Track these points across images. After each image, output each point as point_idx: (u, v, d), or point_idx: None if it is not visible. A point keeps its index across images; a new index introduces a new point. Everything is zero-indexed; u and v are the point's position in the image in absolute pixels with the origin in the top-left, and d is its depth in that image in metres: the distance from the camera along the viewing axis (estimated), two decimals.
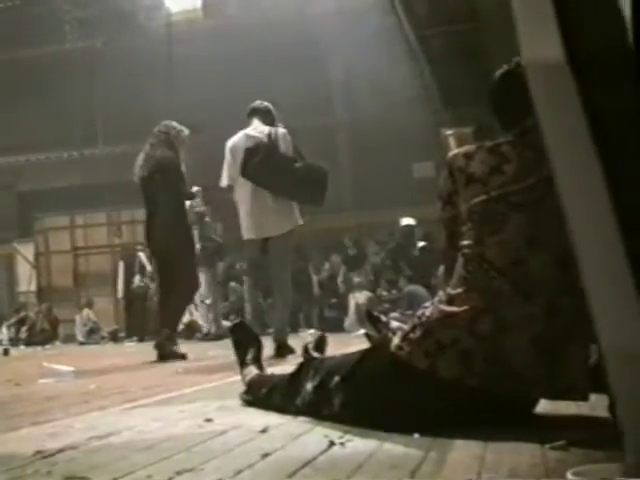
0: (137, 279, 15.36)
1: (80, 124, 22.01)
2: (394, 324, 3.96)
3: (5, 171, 23.32)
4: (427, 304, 2.81)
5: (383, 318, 4.20)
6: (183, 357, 8.01)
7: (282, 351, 7.39)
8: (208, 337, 14.41)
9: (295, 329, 15.01)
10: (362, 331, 8.02)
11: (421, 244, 17.99)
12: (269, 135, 7.79)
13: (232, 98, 19.47)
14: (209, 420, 3.08)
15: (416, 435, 2.46)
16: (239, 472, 2.05)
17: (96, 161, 22.25)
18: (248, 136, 7.87)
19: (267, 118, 8.04)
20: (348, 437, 2.52)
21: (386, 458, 2.20)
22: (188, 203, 12.66)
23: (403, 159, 18.78)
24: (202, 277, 13.89)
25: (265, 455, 2.28)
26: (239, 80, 19.50)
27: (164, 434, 2.82)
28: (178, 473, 2.07)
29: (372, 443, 2.40)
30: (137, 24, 22.78)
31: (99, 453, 2.50)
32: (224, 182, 7.95)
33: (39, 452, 2.49)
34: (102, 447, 2.61)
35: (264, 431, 2.74)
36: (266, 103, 8.32)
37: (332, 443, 2.43)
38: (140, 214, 20.70)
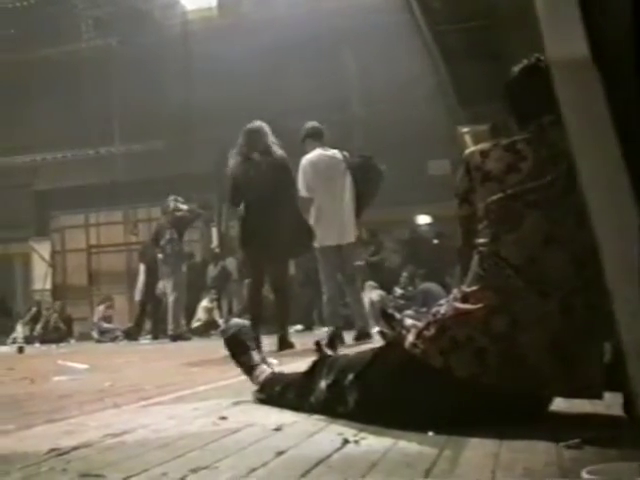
0: (161, 285, 15.37)
1: (96, 122, 22.04)
2: (408, 322, 3.94)
3: (22, 170, 23.38)
4: (442, 302, 2.80)
5: (397, 316, 4.19)
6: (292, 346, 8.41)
7: (362, 337, 8.66)
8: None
9: (309, 327, 15.04)
10: (376, 329, 8.09)
11: (436, 242, 18.02)
12: (344, 156, 9.22)
13: (248, 95, 19.54)
14: (223, 418, 3.07)
15: (430, 433, 2.45)
16: (253, 470, 2.05)
17: (112, 159, 22.28)
18: (328, 156, 9.17)
19: (324, 140, 9.30)
20: (362, 435, 2.52)
21: (400, 456, 2.19)
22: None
23: (419, 156, 18.75)
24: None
25: (279, 453, 2.28)
26: (255, 77, 19.54)
27: (179, 432, 2.82)
28: (193, 471, 2.07)
29: (386, 441, 2.40)
30: (153, 22, 22.81)
31: (114, 451, 2.50)
32: (304, 193, 8.86)
33: (54, 450, 2.49)
34: (117, 445, 2.61)
35: (278, 429, 2.74)
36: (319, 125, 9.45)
37: (346, 441, 2.42)
38: (156, 212, 20.92)
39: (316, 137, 9.24)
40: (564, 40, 1.62)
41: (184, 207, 14.77)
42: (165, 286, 14.96)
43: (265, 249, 8.34)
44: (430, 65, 12.80)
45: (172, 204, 14.76)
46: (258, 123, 8.72)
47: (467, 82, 11.46)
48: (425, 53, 12.00)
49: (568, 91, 1.64)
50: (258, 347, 3.79)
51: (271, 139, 8.62)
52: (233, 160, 8.63)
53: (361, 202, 9.16)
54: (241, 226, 8.63)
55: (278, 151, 8.58)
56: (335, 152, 9.21)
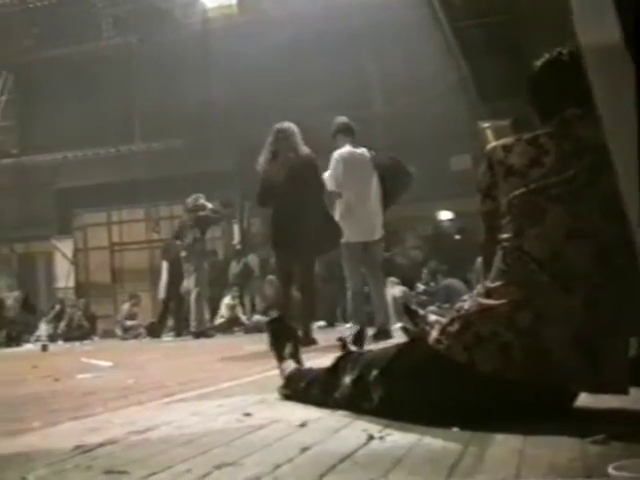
0: (186, 283, 15.42)
1: (117, 121, 22.12)
2: (432, 317, 3.95)
3: (43, 169, 23.49)
4: (465, 297, 2.79)
5: (421, 312, 4.20)
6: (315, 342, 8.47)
7: (381, 336, 8.44)
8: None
9: (332, 323, 15.03)
10: (399, 325, 8.11)
11: (458, 237, 17.98)
12: (371, 155, 9.28)
13: (268, 93, 19.56)
14: (248, 414, 3.08)
15: (455, 429, 2.45)
16: (278, 466, 2.05)
17: (133, 157, 22.36)
18: (358, 153, 9.22)
19: (354, 137, 9.33)
20: (387, 431, 2.51)
21: (425, 452, 2.19)
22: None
23: (440, 152, 18.70)
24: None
25: (304, 449, 2.28)
26: (275, 75, 19.54)
27: (203, 428, 2.83)
28: (217, 467, 2.07)
29: (411, 437, 2.39)
30: (173, 20, 22.86)
31: (138, 448, 2.51)
32: (332, 187, 8.94)
33: (79, 447, 2.50)
34: (141, 442, 2.62)
35: (303, 425, 2.74)
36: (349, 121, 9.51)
37: (371, 437, 2.42)
38: (178, 209, 20.97)
39: (347, 133, 9.31)
40: (597, 27, 1.61)
41: (208, 205, 14.79)
42: (188, 283, 14.99)
43: (293, 247, 8.46)
44: (450, 60, 12.76)
45: (196, 202, 14.77)
46: (287, 123, 8.83)
47: (488, 77, 11.40)
48: (445, 49, 11.95)
49: (601, 78, 1.63)
50: (295, 341, 3.81)
51: (299, 139, 8.72)
52: (262, 159, 8.73)
53: (386, 201, 9.23)
54: (270, 225, 8.83)
55: (306, 150, 8.70)
56: (364, 150, 9.26)
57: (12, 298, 20.97)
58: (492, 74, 11.17)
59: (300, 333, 8.37)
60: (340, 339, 3.44)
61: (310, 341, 8.31)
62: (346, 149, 9.17)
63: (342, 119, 9.47)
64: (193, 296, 14.37)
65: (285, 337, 3.78)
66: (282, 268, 8.95)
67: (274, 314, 3.69)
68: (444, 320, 2.75)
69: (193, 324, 14.34)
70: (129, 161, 22.22)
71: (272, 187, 8.56)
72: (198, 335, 14.03)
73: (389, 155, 9.59)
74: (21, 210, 23.85)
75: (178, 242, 15.26)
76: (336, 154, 9.12)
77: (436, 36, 11.57)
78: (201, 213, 14.55)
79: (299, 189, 8.42)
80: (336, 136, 9.32)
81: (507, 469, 1.93)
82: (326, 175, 9.01)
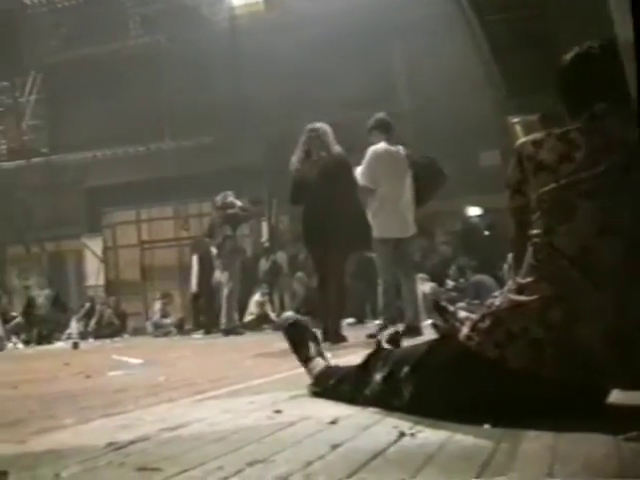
0: (217, 275, 15.51)
1: (146, 119, 22.19)
2: (462, 314, 3.93)
3: (73, 168, 23.63)
4: (496, 293, 2.78)
5: (450, 308, 4.18)
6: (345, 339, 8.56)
7: (411, 332, 8.23)
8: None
9: (362, 320, 15.01)
10: (429, 321, 8.09)
11: (487, 233, 17.90)
12: (407, 153, 9.30)
13: (296, 90, 19.57)
14: (278, 411, 3.08)
15: (487, 426, 2.44)
16: (309, 463, 2.06)
17: (162, 155, 22.42)
18: (393, 150, 9.20)
19: (391, 133, 9.34)
20: (418, 428, 2.51)
21: (457, 449, 2.18)
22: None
23: (469, 148, 18.63)
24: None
25: (335, 446, 2.28)
26: (302, 71, 19.52)
27: (234, 425, 2.83)
28: (249, 464, 2.07)
29: (443, 434, 2.39)
30: (200, 18, 22.89)
31: (170, 445, 2.52)
32: (364, 183, 8.99)
33: (111, 444, 2.52)
34: (173, 439, 2.63)
35: (334, 422, 2.74)
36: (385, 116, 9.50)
37: (402, 434, 2.42)
38: (207, 207, 21.01)
39: (383, 129, 9.31)
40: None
41: (237, 203, 14.81)
42: (220, 278, 15.04)
43: (325, 245, 8.50)
44: (478, 55, 12.72)
45: (225, 200, 14.81)
46: (319, 123, 8.89)
47: (516, 72, 11.35)
48: (473, 43, 11.91)
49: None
50: (317, 340, 3.81)
51: (332, 138, 8.77)
52: (295, 159, 8.80)
53: (419, 200, 9.27)
54: (302, 223, 8.90)
55: (338, 149, 8.74)
56: (399, 147, 9.28)
57: (43, 296, 21.12)
58: (521, 69, 11.12)
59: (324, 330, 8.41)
60: (372, 335, 3.43)
61: (340, 338, 8.37)
62: (381, 145, 9.18)
63: (379, 115, 9.47)
64: (225, 293, 14.40)
65: (305, 339, 3.75)
66: (317, 265, 9.00)
67: (289, 320, 3.68)
68: (475, 316, 2.74)
69: (223, 321, 14.35)
70: (158, 159, 22.29)
71: (304, 186, 8.62)
72: (228, 333, 14.05)
73: (425, 154, 9.63)
74: (51, 209, 24.01)
75: (209, 240, 15.34)
76: (370, 150, 9.15)
77: (464, 31, 11.54)
78: (230, 211, 14.57)
79: (331, 188, 8.46)
80: (372, 132, 9.32)
81: (540, 466, 1.92)
82: (359, 171, 9.05)
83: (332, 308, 8.73)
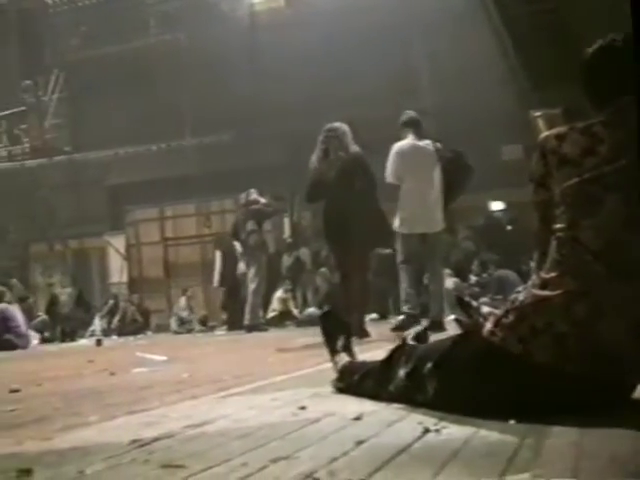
0: (241, 266, 15.60)
1: (167, 116, 22.22)
2: (485, 309, 3.92)
3: (95, 166, 23.70)
4: (520, 288, 2.77)
5: (474, 303, 4.17)
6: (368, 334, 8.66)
7: (435, 328, 8.19)
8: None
9: (384, 315, 15.00)
10: (452, 316, 8.08)
11: (509, 228, 17.83)
12: (436, 147, 9.35)
13: (317, 86, 19.55)
14: (303, 408, 3.08)
15: (511, 421, 2.43)
16: (334, 460, 2.05)
17: (184, 153, 22.45)
18: (419, 145, 9.31)
19: (421, 130, 9.50)
20: (443, 424, 2.50)
21: (482, 445, 2.17)
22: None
23: (492, 142, 18.54)
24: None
25: (359, 442, 2.28)
26: (323, 67, 19.50)
27: (258, 422, 2.83)
28: (273, 461, 2.07)
29: (467, 430, 2.38)
30: (220, 15, 22.90)
31: (195, 441, 2.52)
32: (391, 179, 9.21)
33: (135, 441, 2.52)
34: (197, 435, 2.63)
35: (358, 418, 2.74)
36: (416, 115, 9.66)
37: (427, 430, 2.41)
38: (229, 204, 21.06)
39: (410, 126, 9.46)
40: None
41: (261, 200, 14.84)
42: (246, 274, 15.10)
43: (345, 242, 8.63)
44: (501, 49, 12.67)
45: (248, 197, 14.86)
46: (337, 123, 9.02)
47: (539, 65, 11.31)
48: (495, 37, 11.87)
49: None
50: (348, 334, 3.82)
51: (350, 138, 8.92)
52: (314, 157, 8.94)
53: (449, 194, 9.32)
54: (323, 221, 9.02)
55: (356, 149, 8.88)
56: (428, 142, 9.38)
57: (66, 294, 21.25)
58: (543, 62, 11.07)
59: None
60: (399, 327, 3.42)
61: (364, 334, 8.43)
62: (406, 142, 9.33)
63: (408, 113, 9.63)
64: (251, 289, 14.42)
65: (337, 331, 3.78)
66: (338, 262, 9.19)
67: (326, 308, 3.73)
68: (498, 312, 2.73)
69: (247, 317, 14.37)
70: (180, 156, 22.32)
71: (322, 184, 8.77)
72: (251, 329, 14.07)
73: (451, 148, 9.64)
74: (74, 207, 24.13)
75: (234, 240, 15.43)
76: (395, 147, 9.30)
77: (486, 25, 11.50)
78: (254, 206, 14.61)
79: (349, 186, 8.60)
80: (402, 129, 9.49)
81: (565, 462, 1.91)
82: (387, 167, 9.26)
83: (355, 304, 8.75)
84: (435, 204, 9.22)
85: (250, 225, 14.42)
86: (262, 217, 14.77)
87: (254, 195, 14.86)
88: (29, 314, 18.22)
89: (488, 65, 16.36)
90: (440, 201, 9.24)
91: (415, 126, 9.47)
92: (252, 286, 14.38)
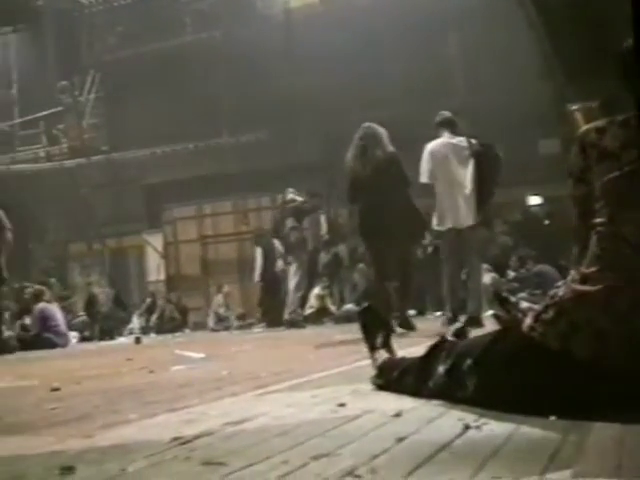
0: (280, 263, 15.73)
1: (204, 115, 22.29)
2: (524, 305, 3.90)
3: (133, 164, 23.82)
4: (559, 284, 2.75)
5: (512, 299, 4.15)
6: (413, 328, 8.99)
7: (473, 324, 8.41)
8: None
9: (423, 312, 14.97)
10: (490, 312, 8.06)
11: (547, 223, 17.72)
12: (470, 143, 9.42)
13: (352, 83, 19.53)
14: (342, 405, 3.08)
15: (552, 418, 2.41)
16: (375, 457, 2.05)
17: (221, 151, 22.50)
18: (451, 143, 9.43)
19: (456, 129, 9.63)
20: (483, 420, 2.49)
21: (524, 441, 2.16)
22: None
23: (528, 136, 18.42)
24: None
25: (400, 439, 2.27)
26: (358, 64, 19.48)
27: (298, 419, 2.84)
28: (314, 458, 2.07)
29: (508, 426, 2.37)
30: (255, 13, 22.93)
31: (235, 439, 2.52)
32: (424, 179, 9.34)
33: (176, 438, 2.53)
34: (237, 433, 2.64)
35: (398, 415, 2.73)
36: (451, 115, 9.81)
37: (467, 426, 2.40)
38: (266, 201, 21.11)
39: (444, 126, 9.60)
40: None
41: (298, 199, 14.89)
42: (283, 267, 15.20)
43: (382, 240, 8.90)
44: (536, 42, 12.59)
45: (285, 197, 14.96)
46: (373, 125, 9.31)
47: (575, 57, 11.21)
48: (531, 29, 11.80)
49: None
50: (388, 330, 3.82)
51: (386, 137, 9.20)
52: (350, 156, 9.19)
53: (483, 188, 9.36)
54: (359, 218, 9.19)
55: (391, 148, 9.14)
56: (461, 139, 9.47)
57: (104, 293, 21.41)
58: (580, 54, 10.98)
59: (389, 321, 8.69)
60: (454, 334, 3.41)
61: (409, 327, 8.85)
62: (438, 141, 9.47)
63: (443, 114, 9.76)
64: (291, 286, 14.48)
65: (376, 327, 3.77)
66: (376, 259, 9.34)
67: (364, 304, 3.74)
68: (538, 307, 2.71)
69: (288, 312, 14.42)
70: (217, 154, 22.37)
71: (359, 183, 9.01)
72: (291, 325, 14.10)
73: (482, 142, 9.68)
74: (112, 206, 24.27)
75: (274, 238, 15.56)
76: (427, 147, 9.44)
77: (521, 17, 11.44)
78: (292, 204, 14.68)
79: (384, 184, 8.85)
80: (437, 129, 9.63)
81: (608, 459, 1.89)
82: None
83: (394, 301, 8.99)
84: (466, 199, 9.30)
85: (290, 222, 14.48)
86: (301, 214, 14.81)
87: (291, 195, 14.92)
88: (70, 313, 18.39)
89: (523, 59, 16.28)
90: (473, 196, 9.30)
91: (450, 125, 9.61)
92: (293, 283, 14.43)
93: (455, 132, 9.55)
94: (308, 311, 17.11)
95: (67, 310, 18.38)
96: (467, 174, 9.27)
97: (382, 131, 9.24)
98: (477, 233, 9.63)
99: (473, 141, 9.44)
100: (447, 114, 9.74)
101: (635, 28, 1.55)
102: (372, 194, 8.88)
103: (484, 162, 9.22)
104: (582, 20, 9.93)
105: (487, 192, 9.38)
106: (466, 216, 9.28)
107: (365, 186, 8.94)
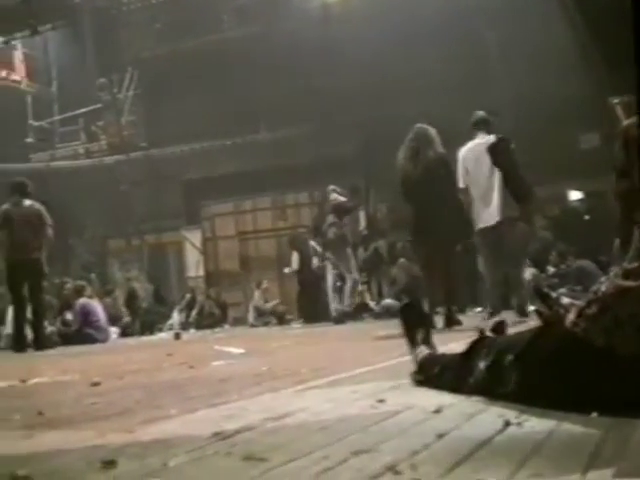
0: (315, 261, 15.86)
1: (242, 111, 22.35)
2: (565, 300, 3.87)
3: (171, 161, 23.96)
4: (602, 279, 2.72)
5: (553, 294, 4.12)
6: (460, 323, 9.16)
7: (521, 314, 9.04)
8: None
9: (462, 309, 14.92)
10: (532, 308, 8.02)
11: (587, 217, 17.60)
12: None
13: (390, 78, 19.50)
14: (382, 400, 3.06)
15: (594, 414, 2.39)
16: (415, 453, 2.04)
17: (259, 147, 22.57)
18: (480, 144, 9.72)
19: (490, 127, 9.97)
20: (524, 417, 2.47)
21: (565, 439, 2.14)
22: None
23: (568, 130, 18.28)
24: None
25: (440, 435, 2.26)
26: (396, 60, 19.45)
27: (338, 415, 2.83)
28: (354, 454, 2.06)
29: (549, 423, 2.35)
30: (292, 8, 22.95)
31: (275, 434, 2.52)
32: (460, 185, 9.71)
33: (217, 434, 2.53)
34: (278, 428, 2.64)
35: (438, 411, 2.72)
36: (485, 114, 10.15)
37: (508, 423, 2.38)
38: (304, 197, 21.15)
39: (477, 126, 9.95)
40: None
41: (340, 198, 14.91)
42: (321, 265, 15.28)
43: (433, 238, 9.10)
44: (575, 35, 12.48)
45: (328, 196, 15.01)
46: (425, 125, 9.48)
47: (615, 49, 11.09)
48: (568, 21, 11.70)
49: None
50: (428, 326, 3.82)
51: (437, 139, 9.38)
52: (401, 156, 9.38)
53: (507, 183, 9.54)
54: (411, 218, 9.36)
55: (441, 149, 9.35)
56: (489, 138, 9.76)
57: (143, 289, 21.55)
58: (619, 45, 10.85)
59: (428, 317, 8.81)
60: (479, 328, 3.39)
61: (456, 322, 9.01)
62: (469, 144, 9.92)
63: (477, 114, 10.05)
64: (349, 283, 14.60)
65: (417, 323, 3.76)
66: (424, 257, 9.64)
67: (405, 300, 3.74)
68: (580, 303, 2.69)
69: (335, 307, 14.55)
70: (255, 151, 22.45)
71: (411, 183, 9.21)
72: (338, 321, 14.18)
73: (498, 136, 9.87)
74: (151, 202, 24.43)
75: (311, 238, 15.66)
76: (460, 153, 9.95)
77: (558, 9, 11.36)
78: (333, 202, 14.71)
79: (433, 186, 9.04)
80: (472, 130, 9.95)
81: None
82: None
83: (444, 294, 9.30)
84: (491, 197, 9.66)
85: (330, 218, 14.51)
86: (342, 212, 14.84)
87: (333, 194, 14.95)
88: (113, 308, 18.51)
89: (562, 51, 16.16)
90: (499, 193, 9.59)
91: (484, 125, 9.94)
92: (350, 280, 14.59)
93: (489, 131, 9.77)
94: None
95: (110, 305, 18.50)
96: (491, 172, 9.59)
97: (433, 132, 9.38)
98: (514, 229, 9.76)
99: (492, 138, 9.66)
100: (481, 114, 9.98)
101: (635, 28, 1.53)
102: (423, 194, 9.07)
103: (497, 156, 9.44)
104: (622, 10, 9.82)
105: (517, 187, 9.49)
106: (493, 213, 9.59)
107: (416, 186, 9.13)
